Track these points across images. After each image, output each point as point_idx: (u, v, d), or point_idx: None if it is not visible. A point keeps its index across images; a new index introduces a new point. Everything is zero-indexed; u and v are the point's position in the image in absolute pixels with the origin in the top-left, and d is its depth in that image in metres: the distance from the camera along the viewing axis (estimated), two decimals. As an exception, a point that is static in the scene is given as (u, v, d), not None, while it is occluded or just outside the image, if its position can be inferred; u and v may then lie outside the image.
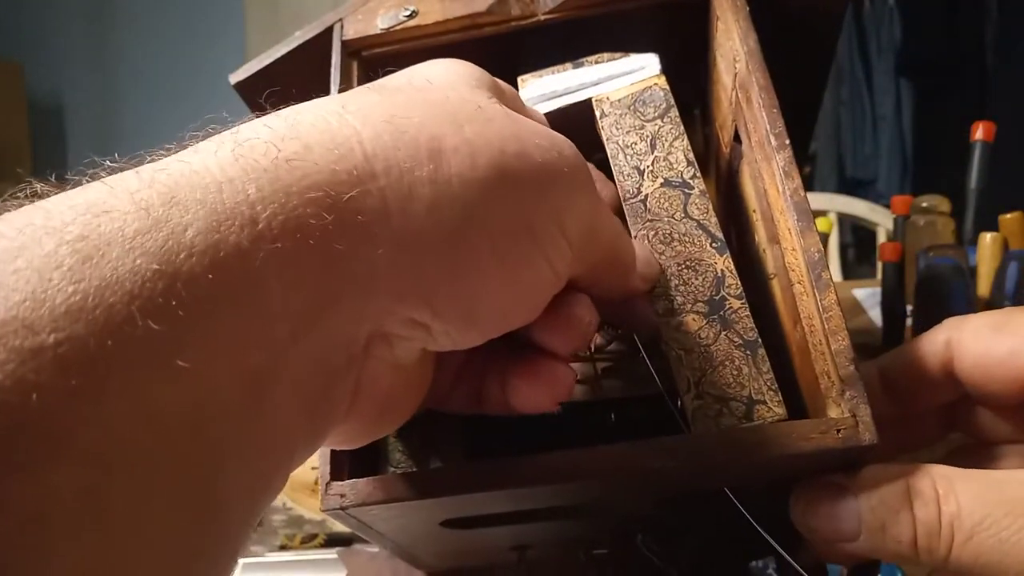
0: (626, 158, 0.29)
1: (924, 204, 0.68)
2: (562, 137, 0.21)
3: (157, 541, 0.14)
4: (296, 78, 0.37)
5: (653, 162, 0.29)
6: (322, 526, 0.51)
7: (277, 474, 0.17)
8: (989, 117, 0.68)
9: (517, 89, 0.33)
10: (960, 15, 1.96)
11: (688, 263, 0.26)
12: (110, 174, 0.16)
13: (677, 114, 0.30)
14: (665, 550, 0.31)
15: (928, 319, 0.57)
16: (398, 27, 0.35)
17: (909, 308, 0.61)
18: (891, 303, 0.62)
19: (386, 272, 0.17)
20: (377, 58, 0.35)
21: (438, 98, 0.20)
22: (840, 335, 0.23)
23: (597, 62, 0.33)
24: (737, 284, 0.25)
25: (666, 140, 0.29)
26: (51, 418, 0.12)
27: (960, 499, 0.21)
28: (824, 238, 0.87)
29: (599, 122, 0.30)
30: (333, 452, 0.26)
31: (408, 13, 0.35)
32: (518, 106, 0.23)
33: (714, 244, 0.26)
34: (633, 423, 0.27)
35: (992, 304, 0.57)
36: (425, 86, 0.20)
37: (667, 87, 0.31)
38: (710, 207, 0.27)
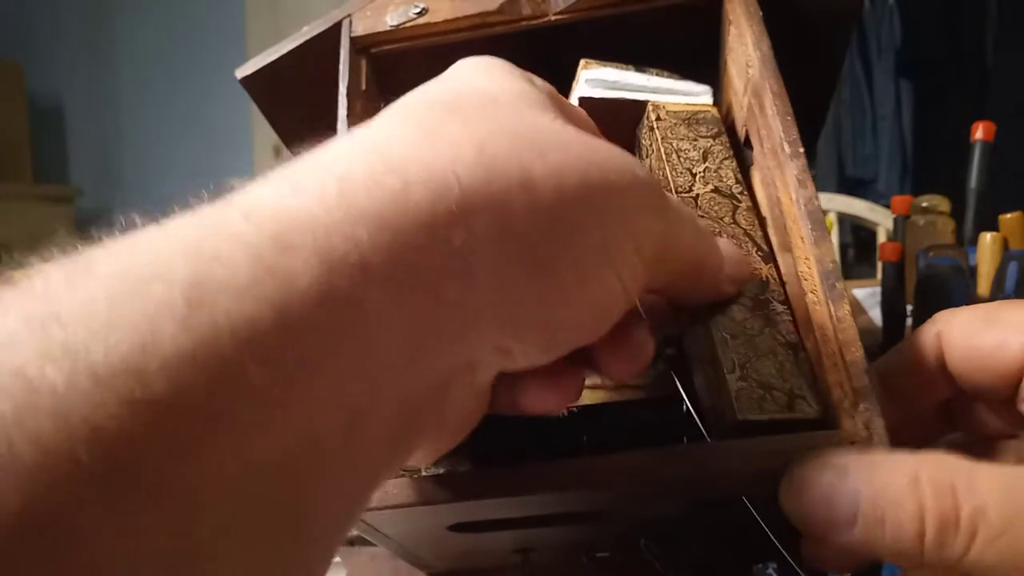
0: (679, 159, 0.30)
1: (924, 204, 0.69)
2: (630, 158, 0.21)
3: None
4: (303, 74, 0.37)
5: (704, 171, 0.29)
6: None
7: (359, 506, 0.17)
8: (989, 117, 0.69)
9: (576, 70, 0.33)
10: (960, 15, 1.97)
11: None
12: (201, 205, 0.16)
13: (727, 140, 0.30)
14: (667, 554, 0.31)
15: (928, 318, 0.57)
16: (407, 24, 0.35)
17: (909, 308, 0.62)
18: (891, 303, 0.62)
19: (485, 306, 0.17)
20: (386, 55, 0.35)
21: (514, 124, 0.19)
22: (854, 347, 0.23)
23: (657, 74, 0.33)
24: (781, 291, 0.26)
25: (717, 157, 0.30)
26: (154, 466, 0.12)
27: (985, 492, 0.19)
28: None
29: (654, 124, 0.31)
30: None
31: (418, 10, 0.35)
32: (564, 107, 0.23)
33: (760, 252, 0.27)
34: (645, 427, 0.27)
35: (992, 303, 0.57)
36: (493, 106, 0.20)
37: (719, 116, 0.31)
38: (757, 222, 0.28)
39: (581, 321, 0.20)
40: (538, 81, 0.23)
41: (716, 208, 0.28)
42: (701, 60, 0.34)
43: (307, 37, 0.36)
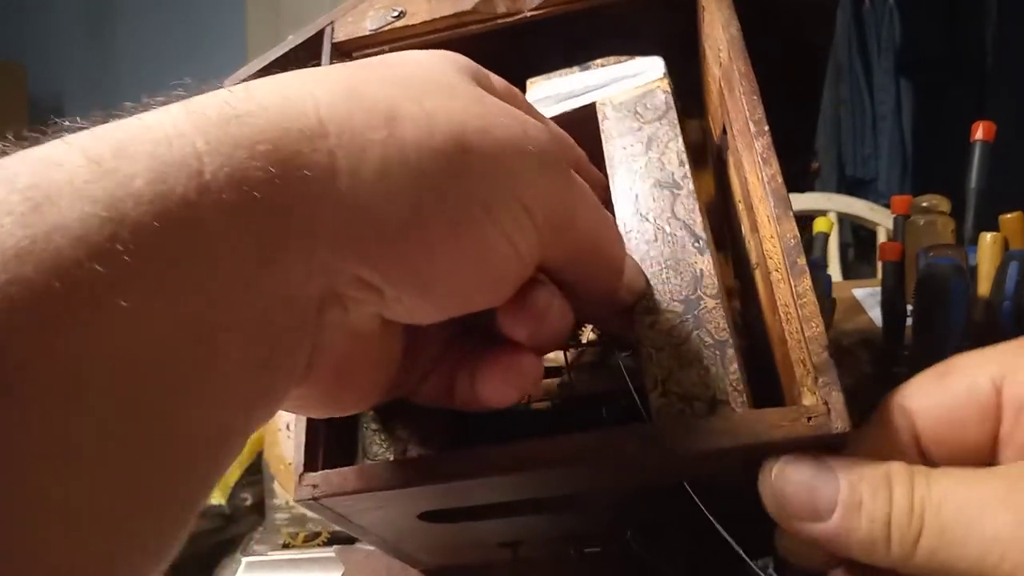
0: (622, 159, 0.29)
1: (924, 204, 0.69)
2: (536, 123, 0.21)
3: (118, 473, 0.14)
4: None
5: (647, 163, 0.29)
6: (325, 524, 0.51)
7: (235, 430, 0.17)
8: (989, 117, 0.69)
9: (524, 91, 0.33)
10: (960, 14, 1.96)
11: (669, 263, 0.26)
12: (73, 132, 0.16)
13: (675, 116, 0.30)
14: (657, 546, 0.31)
15: (928, 319, 0.57)
16: (386, 28, 0.35)
17: (909, 308, 0.62)
18: (891, 303, 0.62)
19: (331, 227, 0.17)
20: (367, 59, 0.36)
21: (404, 74, 0.20)
22: (814, 322, 0.23)
23: (603, 65, 0.33)
24: (714, 283, 0.25)
25: (661, 141, 0.29)
26: (2, 354, 0.13)
27: (932, 483, 0.21)
28: (824, 238, 0.87)
29: (601, 125, 0.31)
30: (308, 443, 0.26)
31: (396, 14, 0.35)
32: (512, 98, 0.23)
33: (696, 244, 0.26)
34: (622, 417, 0.27)
35: (992, 303, 0.57)
36: (396, 63, 0.21)
37: (669, 90, 0.31)
38: (696, 207, 0.27)
39: (460, 274, 0.20)
40: (494, 78, 0.23)
41: (655, 205, 0.28)
42: (679, 50, 0.34)
43: (292, 45, 0.36)
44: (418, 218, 0.18)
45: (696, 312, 0.25)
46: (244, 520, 0.55)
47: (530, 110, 0.25)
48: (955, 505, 0.20)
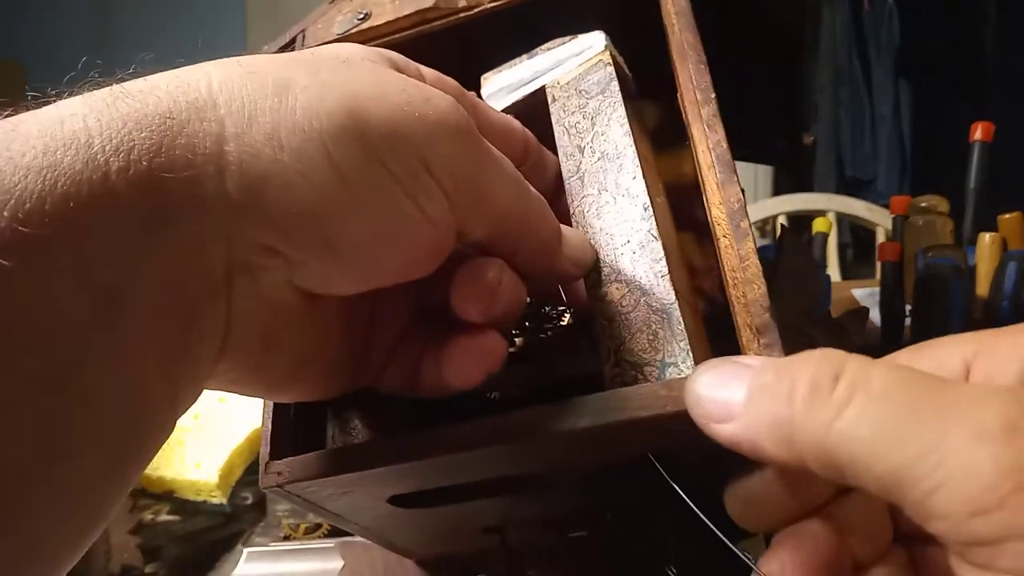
0: (569, 138, 0.30)
1: (923, 204, 0.69)
2: (444, 95, 0.21)
3: (13, 427, 0.15)
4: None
5: (592, 138, 0.29)
6: (325, 522, 0.51)
7: (157, 403, 0.18)
8: (988, 118, 0.69)
9: (479, 89, 0.33)
10: (959, 15, 1.97)
11: (615, 233, 0.26)
12: None
13: (617, 87, 0.30)
14: (640, 529, 0.31)
15: (927, 319, 0.57)
16: (353, 31, 0.36)
17: (908, 308, 0.62)
18: (890, 303, 0.62)
19: (223, 192, 0.18)
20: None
21: (307, 57, 0.21)
22: (756, 283, 0.23)
23: (549, 49, 0.33)
24: (658, 248, 0.25)
25: (605, 114, 0.29)
26: None
27: (875, 365, 0.18)
28: (823, 238, 0.87)
29: (550, 109, 0.31)
30: (274, 434, 0.26)
31: (361, 16, 0.35)
32: (442, 85, 0.24)
33: (641, 212, 0.26)
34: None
35: (991, 304, 0.57)
36: (307, 52, 0.22)
37: (611, 61, 0.31)
38: (639, 173, 0.27)
39: (366, 237, 0.20)
40: (424, 69, 0.24)
41: (601, 177, 0.28)
42: (643, 34, 0.34)
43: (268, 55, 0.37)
44: (312, 179, 0.18)
45: (642, 279, 0.25)
46: (245, 518, 0.55)
47: (462, 96, 0.25)
48: (905, 399, 0.17)
